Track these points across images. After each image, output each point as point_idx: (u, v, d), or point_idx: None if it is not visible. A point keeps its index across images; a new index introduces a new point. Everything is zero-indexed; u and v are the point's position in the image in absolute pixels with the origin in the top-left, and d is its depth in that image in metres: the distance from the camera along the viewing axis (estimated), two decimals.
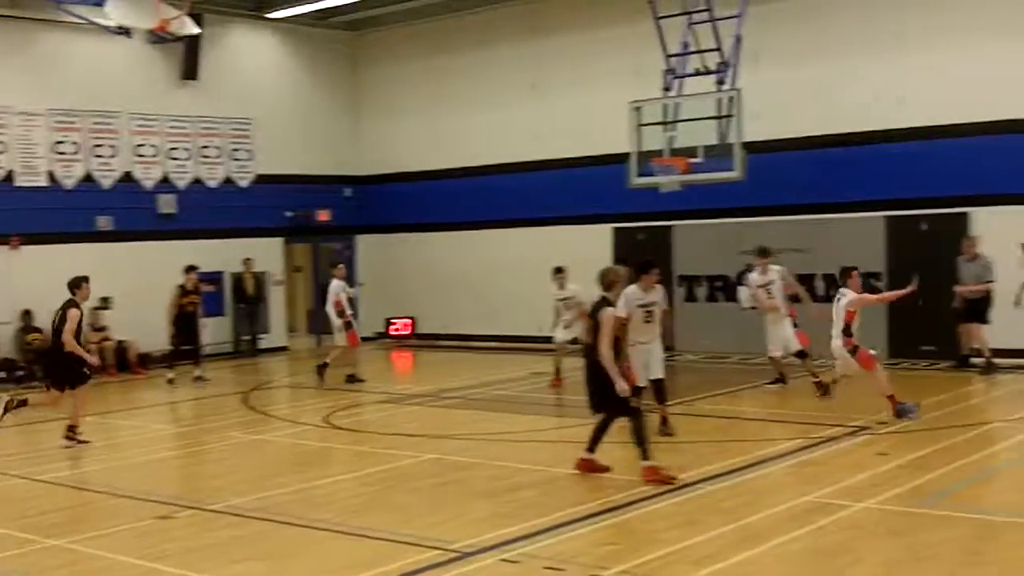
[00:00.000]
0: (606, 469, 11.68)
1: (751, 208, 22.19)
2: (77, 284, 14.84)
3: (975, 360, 19.29)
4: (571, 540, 9.26)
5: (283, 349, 27.46)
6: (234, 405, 18.63)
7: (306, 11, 26.83)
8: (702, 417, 15.59)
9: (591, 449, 11.79)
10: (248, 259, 26.21)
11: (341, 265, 21.37)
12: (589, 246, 23.84)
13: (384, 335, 28.43)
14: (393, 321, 28.03)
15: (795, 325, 17.30)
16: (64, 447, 14.38)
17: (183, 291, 21.22)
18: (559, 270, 18.81)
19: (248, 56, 27.40)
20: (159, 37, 23.22)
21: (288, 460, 13.92)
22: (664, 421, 13.87)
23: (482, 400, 18.21)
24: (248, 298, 26.32)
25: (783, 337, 17.26)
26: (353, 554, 9.11)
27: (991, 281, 18.90)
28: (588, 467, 11.77)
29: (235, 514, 10.60)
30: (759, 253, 17.56)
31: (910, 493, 10.48)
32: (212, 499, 11.28)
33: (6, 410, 14.58)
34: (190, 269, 21.42)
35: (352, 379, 20.31)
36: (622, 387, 11.23)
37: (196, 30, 23.04)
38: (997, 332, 18.96)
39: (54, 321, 14.73)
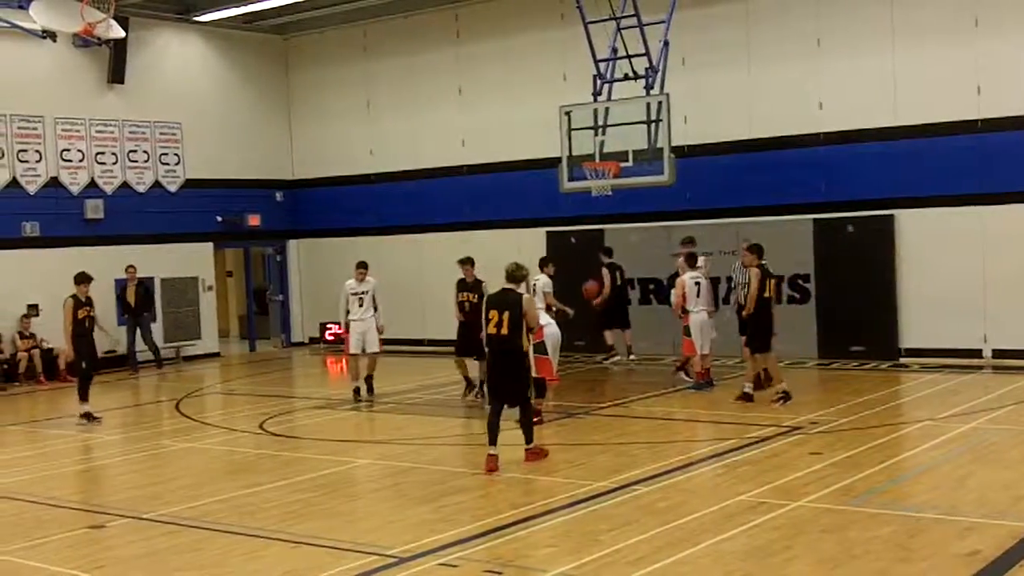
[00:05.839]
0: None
1: (681, 211, 22.39)
2: None
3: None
4: (509, 543, 9.28)
5: (215, 355, 27.26)
6: (166, 412, 18.45)
7: (233, 14, 26.61)
8: (636, 419, 15.69)
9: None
10: (131, 266, 24.64)
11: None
12: (523, 250, 23.84)
13: (318, 340, 28.35)
14: (328, 326, 27.88)
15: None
16: None
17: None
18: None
19: (176, 60, 27.15)
20: (85, 41, 22.90)
21: (223, 468, 13.79)
22: None
23: (417, 404, 18.18)
24: (131, 309, 24.51)
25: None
26: (290, 562, 9.07)
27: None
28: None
29: (170, 522, 10.51)
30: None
31: (842, 491, 10.61)
32: (146, 508, 11.18)
33: None
34: None
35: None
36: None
37: (122, 34, 22.79)
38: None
39: None
